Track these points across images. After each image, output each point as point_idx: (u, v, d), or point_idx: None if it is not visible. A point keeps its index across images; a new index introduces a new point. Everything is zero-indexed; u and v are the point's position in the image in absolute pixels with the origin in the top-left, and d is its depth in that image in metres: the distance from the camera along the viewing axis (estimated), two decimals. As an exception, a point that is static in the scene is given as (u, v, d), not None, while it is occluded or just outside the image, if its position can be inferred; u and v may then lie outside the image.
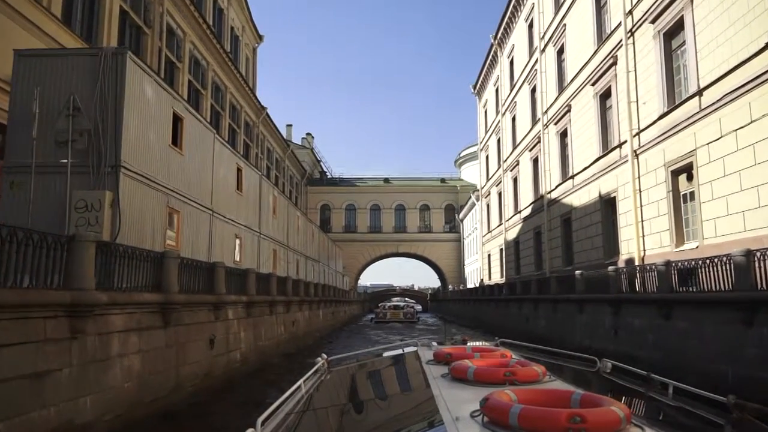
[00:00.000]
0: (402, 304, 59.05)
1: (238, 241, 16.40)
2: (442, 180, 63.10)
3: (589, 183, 20.56)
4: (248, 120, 35.04)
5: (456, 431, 2.27)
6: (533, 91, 28.85)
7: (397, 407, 3.52)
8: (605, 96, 19.59)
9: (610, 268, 14.55)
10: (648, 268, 12.58)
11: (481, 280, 35.33)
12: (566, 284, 17.61)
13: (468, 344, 4.87)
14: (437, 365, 3.86)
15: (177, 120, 11.67)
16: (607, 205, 19.23)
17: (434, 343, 5.19)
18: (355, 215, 60.70)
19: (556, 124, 24.66)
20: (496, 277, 37.66)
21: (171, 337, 9.57)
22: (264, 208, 20.13)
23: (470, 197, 48.41)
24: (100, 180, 8.99)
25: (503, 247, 35.87)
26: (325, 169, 65.76)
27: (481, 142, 44.79)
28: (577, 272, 16.32)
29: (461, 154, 66.38)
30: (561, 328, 17.80)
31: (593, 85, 20.14)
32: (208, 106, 26.79)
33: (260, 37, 37.76)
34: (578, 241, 21.76)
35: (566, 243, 23.69)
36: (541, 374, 3.22)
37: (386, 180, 62.81)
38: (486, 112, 42.76)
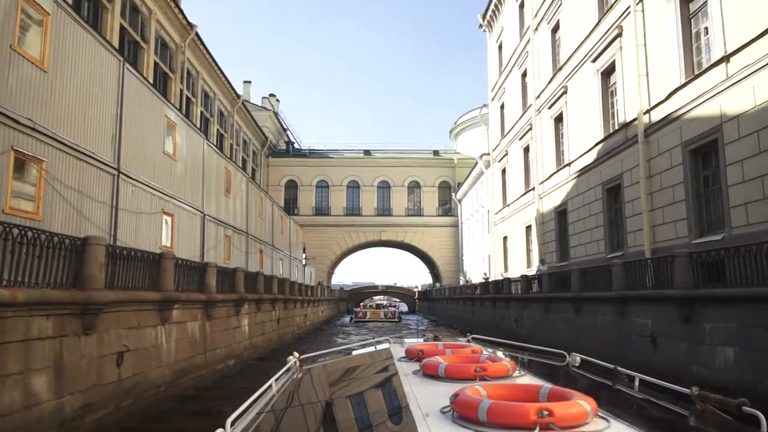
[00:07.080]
0: (385, 302, 50.64)
1: None
2: (436, 152, 51.84)
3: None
4: (165, 37, 23.60)
5: (426, 427, 2.23)
6: (601, -38, 17.91)
7: (369, 404, 3.36)
8: None
9: None
10: None
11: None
12: None
13: (440, 341, 4.73)
14: (409, 362, 3.77)
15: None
16: None
17: (406, 340, 5.05)
18: (329, 194, 49.15)
19: (668, -18, 13.71)
20: (519, 268, 26.66)
21: None
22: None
23: (477, 163, 36.98)
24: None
25: (533, 223, 24.89)
26: (293, 140, 54.11)
27: (492, 90, 33.68)
28: None
29: (458, 122, 55.00)
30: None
31: None
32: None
33: None
34: (739, 184, 10.80)
35: (697, 192, 12.76)
36: (511, 369, 3.18)
37: (367, 152, 51.34)
38: (501, 45, 31.66)
